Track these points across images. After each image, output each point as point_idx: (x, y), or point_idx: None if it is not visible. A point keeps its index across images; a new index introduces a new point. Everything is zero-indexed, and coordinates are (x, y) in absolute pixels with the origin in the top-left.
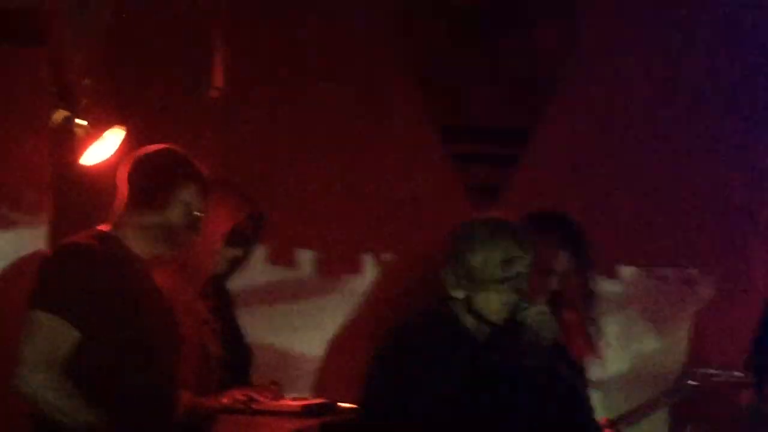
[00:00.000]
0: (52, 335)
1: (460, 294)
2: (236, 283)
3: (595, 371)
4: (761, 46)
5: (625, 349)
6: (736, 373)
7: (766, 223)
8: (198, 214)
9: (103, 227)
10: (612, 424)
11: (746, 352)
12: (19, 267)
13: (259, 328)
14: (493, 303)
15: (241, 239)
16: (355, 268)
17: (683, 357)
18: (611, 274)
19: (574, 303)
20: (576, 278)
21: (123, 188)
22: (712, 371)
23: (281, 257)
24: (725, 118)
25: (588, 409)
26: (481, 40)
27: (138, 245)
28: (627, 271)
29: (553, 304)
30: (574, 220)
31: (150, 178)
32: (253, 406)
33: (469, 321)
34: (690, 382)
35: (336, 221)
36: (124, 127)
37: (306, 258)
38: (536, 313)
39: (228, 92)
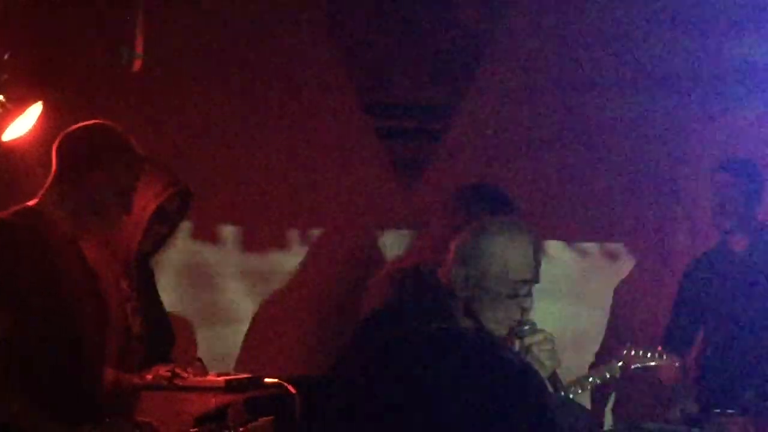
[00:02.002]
0: None
1: (463, 294)
2: (160, 259)
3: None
4: (679, 23)
5: (549, 323)
6: (662, 354)
7: (688, 197)
8: (128, 191)
9: (31, 203)
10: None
11: (667, 325)
12: None
13: (183, 304)
14: (499, 314)
15: (168, 217)
16: (281, 244)
17: (606, 331)
18: None
19: None
20: None
21: (53, 164)
22: (638, 352)
23: (205, 233)
24: (649, 95)
25: None
26: (404, 17)
27: (65, 222)
28: (550, 245)
29: None
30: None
31: (78, 153)
32: (177, 382)
33: (466, 322)
34: (615, 361)
35: (261, 197)
36: (42, 102)
37: (231, 234)
38: (543, 340)
39: (151, 67)
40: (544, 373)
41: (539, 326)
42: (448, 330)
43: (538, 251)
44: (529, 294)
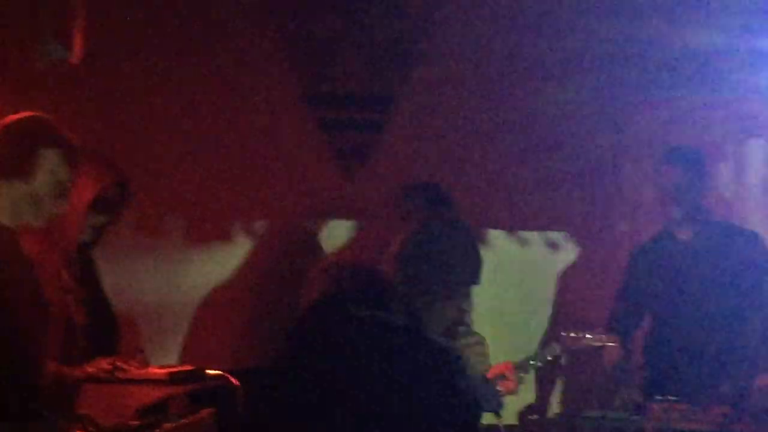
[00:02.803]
0: None
1: (402, 293)
2: (102, 250)
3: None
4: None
5: (491, 312)
6: (601, 335)
7: (629, 184)
8: (65, 182)
9: None
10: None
11: (609, 312)
12: None
13: (125, 296)
14: (435, 315)
15: (107, 206)
16: (224, 235)
17: (549, 320)
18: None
19: None
20: None
21: None
22: (577, 334)
23: (149, 225)
24: (590, 83)
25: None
26: (345, 7)
27: (3, 214)
28: (492, 235)
29: None
30: (447, 194)
31: (14, 146)
32: (119, 374)
33: (403, 320)
34: (556, 344)
35: (204, 188)
36: None
37: (174, 225)
38: (475, 343)
39: (91, 59)
40: (473, 377)
41: (481, 315)
42: (377, 318)
43: (478, 253)
44: (467, 296)
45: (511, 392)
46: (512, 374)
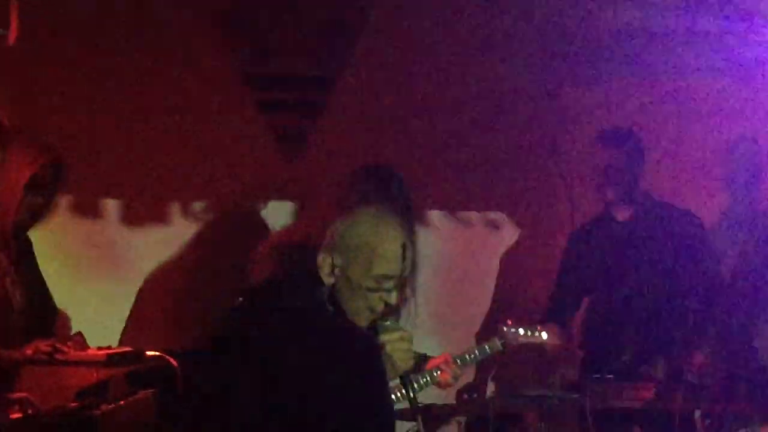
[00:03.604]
0: None
1: (329, 282)
2: (39, 233)
3: (405, 319)
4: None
5: (432, 293)
6: (540, 331)
7: (568, 165)
8: None
9: None
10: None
11: (550, 294)
12: None
13: (63, 278)
14: (359, 306)
15: (42, 188)
16: (162, 217)
17: (490, 300)
18: (420, 221)
19: None
20: None
21: None
22: (518, 329)
23: (86, 207)
24: (528, 63)
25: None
26: None
27: None
28: (432, 215)
29: None
30: (398, 177)
31: None
32: (58, 356)
33: (329, 308)
34: (498, 339)
35: (143, 171)
36: None
37: (111, 207)
38: (398, 339)
39: (27, 40)
40: (393, 373)
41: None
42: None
43: (408, 247)
44: (392, 289)
45: (448, 385)
46: (449, 367)
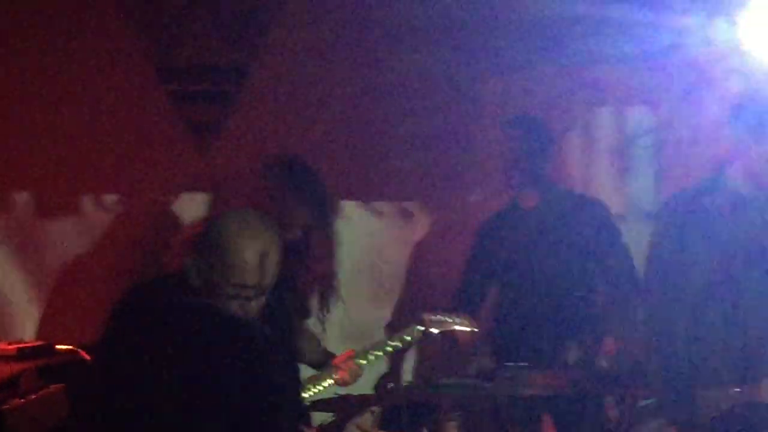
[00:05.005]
0: None
1: (195, 284)
2: None
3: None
4: None
5: (347, 282)
6: (455, 317)
7: (482, 154)
8: None
9: None
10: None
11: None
12: None
13: None
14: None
15: None
16: (74, 209)
17: (404, 289)
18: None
19: (320, 257)
20: (318, 232)
21: None
22: (434, 317)
23: None
24: (443, 51)
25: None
26: None
27: None
28: (346, 206)
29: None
30: (313, 169)
31: None
32: None
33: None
34: (413, 328)
35: (54, 163)
36: None
37: (23, 200)
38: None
39: None
40: None
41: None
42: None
43: (269, 256)
44: (251, 299)
45: (347, 383)
46: (347, 364)
